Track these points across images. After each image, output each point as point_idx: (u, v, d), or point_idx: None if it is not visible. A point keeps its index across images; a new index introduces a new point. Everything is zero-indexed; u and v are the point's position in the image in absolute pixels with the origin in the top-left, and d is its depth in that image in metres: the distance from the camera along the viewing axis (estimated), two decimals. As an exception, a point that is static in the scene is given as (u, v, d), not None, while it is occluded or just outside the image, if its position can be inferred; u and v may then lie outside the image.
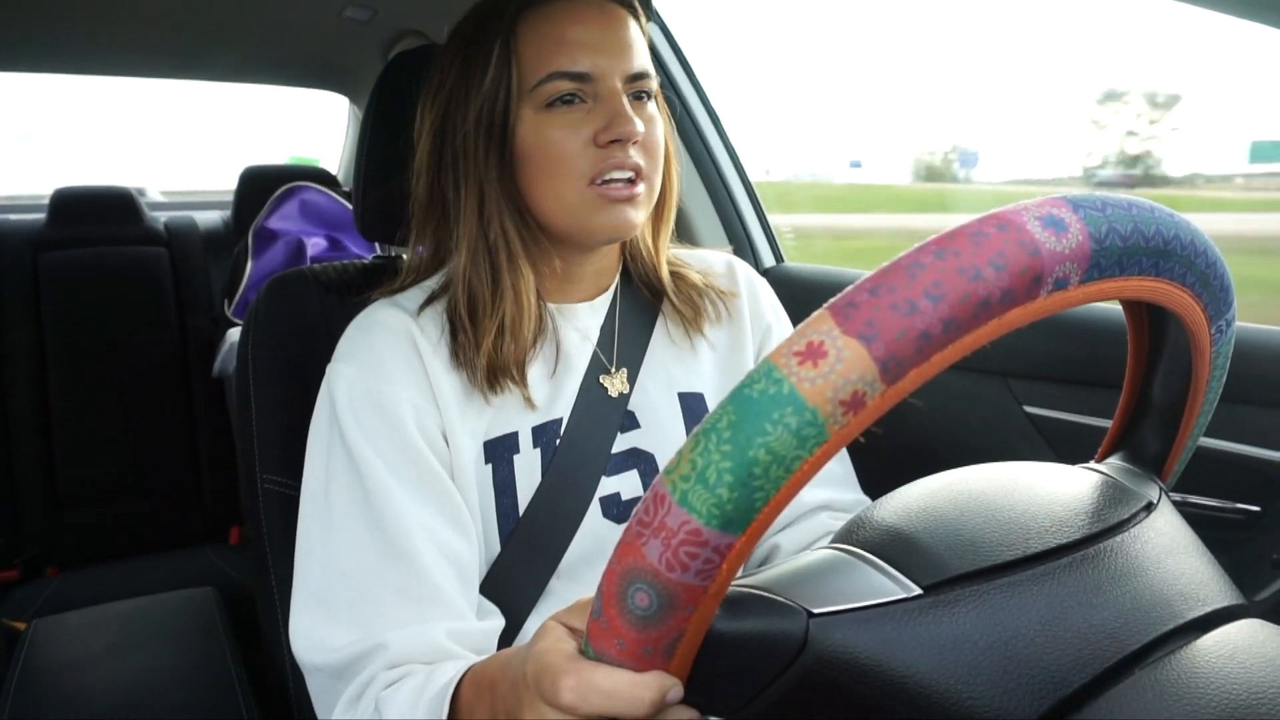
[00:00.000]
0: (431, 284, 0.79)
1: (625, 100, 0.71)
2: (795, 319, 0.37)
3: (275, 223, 2.05)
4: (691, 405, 0.81)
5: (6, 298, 2.08)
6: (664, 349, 0.83)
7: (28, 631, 1.47)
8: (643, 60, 0.74)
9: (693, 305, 0.83)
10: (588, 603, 0.42)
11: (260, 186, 2.16)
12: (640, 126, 0.71)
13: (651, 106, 0.75)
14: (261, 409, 0.88)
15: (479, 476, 0.73)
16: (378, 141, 0.89)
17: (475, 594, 0.71)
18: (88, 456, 2.10)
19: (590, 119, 0.71)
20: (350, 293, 0.92)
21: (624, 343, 0.81)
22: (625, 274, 0.84)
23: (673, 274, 0.84)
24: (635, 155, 0.71)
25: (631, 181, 0.72)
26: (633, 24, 0.75)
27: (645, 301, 0.84)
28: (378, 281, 0.92)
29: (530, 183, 0.73)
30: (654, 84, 0.75)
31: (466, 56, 0.73)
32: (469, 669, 0.60)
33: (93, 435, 2.10)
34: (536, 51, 0.71)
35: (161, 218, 2.34)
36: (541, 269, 0.76)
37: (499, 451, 0.74)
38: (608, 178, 0.71)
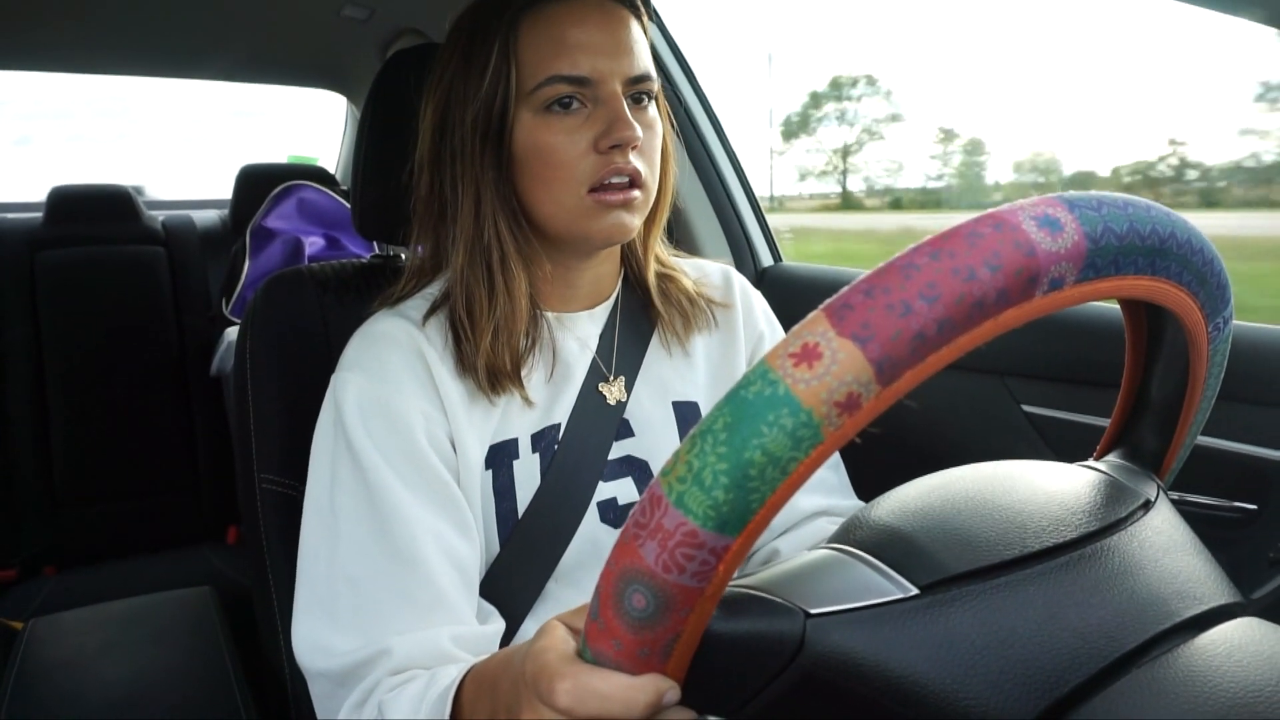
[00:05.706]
0: (433, 291, 0.79)
1: (625, 104, 0.71)
2: (793, 318, 0.37)
3: (273, 221, 2.04)
4: (686, 414, 0.82)
5: (4, 297, 2.08)
6: (660, 358, 0.83)
7: (25, 631, 1.47)
8: (644, 62, 0.73)
9: (683, 311, 0.83)
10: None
11: (258, 185, 2.17)
12: (639, 132, 0.70)
13: (652, 110, 0.74)
14: (259, 408, 0.88)
15: (481, 480, 0.73)
16: (376, 140, 0.88)
17: (476, 597, 0.71)
18: (85, 456, 2.10)
19: (590, 124, 0.70)
20: (348, 292, 0.91)
21: (623, 351, 0.81)
22: (627, 283, 0.84)
23: (664, 277, 0.84)
24: (634, 160, 0.71)
25: (628, 185, 0.71)
26: (634, 25, 0.74)
27: (644, 311, 0.84)
28: (376, 280, 0.92)
29: (527, 186, 0.73)
30: (655, 85, 0.74)
31: (467, 55, 0.73)
32: (471, 668, 0.60)
33: (90, 434, 2.10)
34: (536, 53, 0.70)
35: (159, 216, 2.34)
36: (535, 272, 0.76)
37: (499, 457, 0.74)
38: (606, 182, 0.70)
